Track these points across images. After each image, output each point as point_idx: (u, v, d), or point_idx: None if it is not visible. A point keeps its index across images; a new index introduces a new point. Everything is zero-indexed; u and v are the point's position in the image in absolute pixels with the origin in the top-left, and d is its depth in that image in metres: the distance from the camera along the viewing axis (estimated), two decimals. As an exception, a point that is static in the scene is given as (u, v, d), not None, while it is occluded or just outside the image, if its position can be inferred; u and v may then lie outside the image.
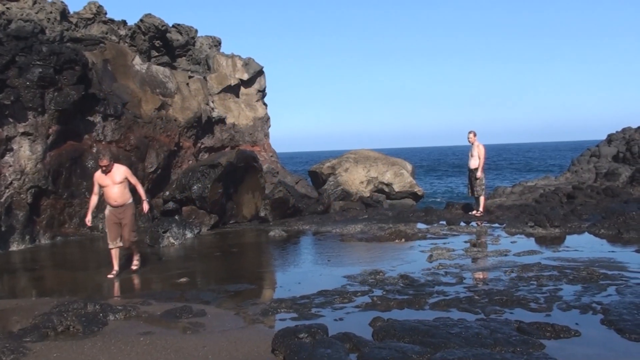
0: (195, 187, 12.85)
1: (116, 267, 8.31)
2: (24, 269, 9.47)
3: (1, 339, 5.13)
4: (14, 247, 11.10)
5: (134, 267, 8.59)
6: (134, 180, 8.40)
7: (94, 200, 8.39)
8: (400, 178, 19.23)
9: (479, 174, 13.02)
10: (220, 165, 13.13)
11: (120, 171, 8.22)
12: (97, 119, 13.36)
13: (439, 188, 40.00)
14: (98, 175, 8.22)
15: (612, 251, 8.90)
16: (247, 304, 6.46)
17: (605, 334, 5.07)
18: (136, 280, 8.17)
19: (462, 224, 12.50)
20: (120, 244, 8.32)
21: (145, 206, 8.54)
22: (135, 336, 5.20)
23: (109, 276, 8.16)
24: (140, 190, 8.50)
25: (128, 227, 8.23)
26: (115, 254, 8.34)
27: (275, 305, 6.26)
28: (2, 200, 11.04)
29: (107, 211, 8.32)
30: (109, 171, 8.13)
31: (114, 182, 8.12)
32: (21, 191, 11.36)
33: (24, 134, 11.51)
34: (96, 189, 8.30)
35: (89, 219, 8.45)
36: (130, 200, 8.34)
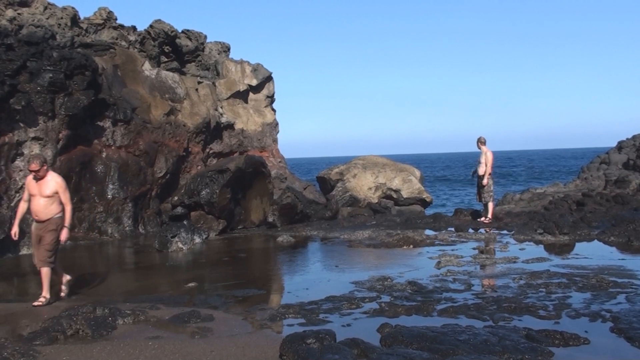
0: (203, 192, 12.90)
1: (45, 292, 6.99)
2: (34, 273, 9.45)
3: (11, 342, 5.18)
4: (24, 251, 11.17)
5: (61, 295, 7.36)
6: (64, 197, 6.99)
7: (22, 207, 7.22)
8: (409, 184, 19.19)
9: (485, 180, 12.99)
10: (228, 170, 13.18)
11: (52, 183, 6.94)
12: (107, 124, 13.47)
13: (447, 195, 39.86)
14: (28, 181, 7.08)
15: (622, 259, 8.84)
16: (255, 309, 6.48)
17: (614, 342, 5.04)
18: (145, 285, 8.20)
19: (471, 230, 12.46)
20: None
21: (64, 234, 7.03)
22: (144, 340, 5.23)
23: (34, 304, 6.80)
24: (68, 212, 7.06)
25: (43, 247, 6.92)
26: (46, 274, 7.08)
27: (283, 310, 6.27)
28: (13, 204, 11.14)
29: (32, 226, 7.17)
30: (42, 177, 6.91)
31: (41, 194, 6.89)
32: (31, 195, 11.45)
33: (35, 138, 11.62)
34: (25, 195, 7.11)
35: (14, 231, 7.22)
36: (57, 216, 7.00)
